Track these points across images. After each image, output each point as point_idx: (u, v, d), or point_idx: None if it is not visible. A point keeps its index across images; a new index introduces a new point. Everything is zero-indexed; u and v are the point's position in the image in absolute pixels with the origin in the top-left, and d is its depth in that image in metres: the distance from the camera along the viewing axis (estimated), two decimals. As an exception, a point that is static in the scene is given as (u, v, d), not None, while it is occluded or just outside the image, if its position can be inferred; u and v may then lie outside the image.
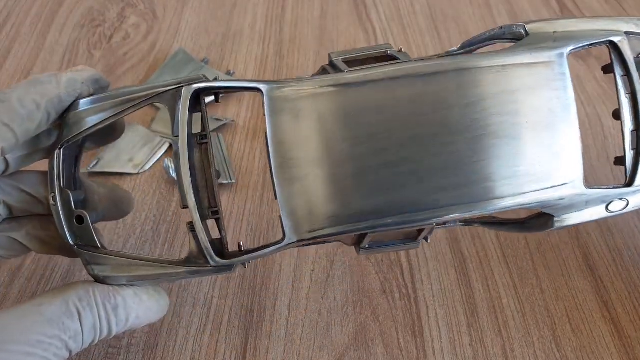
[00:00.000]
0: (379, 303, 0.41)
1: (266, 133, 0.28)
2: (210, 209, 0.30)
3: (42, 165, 0.33)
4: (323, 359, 0.38)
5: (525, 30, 0.31)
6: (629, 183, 0.32)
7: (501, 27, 0.33)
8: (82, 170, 0.48)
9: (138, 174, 0.49)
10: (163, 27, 0.65)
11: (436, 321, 0.40)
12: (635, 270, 0.43)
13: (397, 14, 0.69)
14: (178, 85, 0.29)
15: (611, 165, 0.34)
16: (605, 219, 0.35)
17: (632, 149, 0.31)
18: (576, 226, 0.38)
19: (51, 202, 0.31)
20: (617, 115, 0.32)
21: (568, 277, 0.42)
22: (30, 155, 0.32)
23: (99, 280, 0.31)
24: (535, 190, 0.29)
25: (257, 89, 0.28)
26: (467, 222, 0.35)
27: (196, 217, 0.28)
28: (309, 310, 0.40)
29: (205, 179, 0.30)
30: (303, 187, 0.27)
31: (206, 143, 0.30)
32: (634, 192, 0.32)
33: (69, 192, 0.31)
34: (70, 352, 0.29)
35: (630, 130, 0.31)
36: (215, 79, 0.30)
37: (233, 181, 0.48)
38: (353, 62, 0.30)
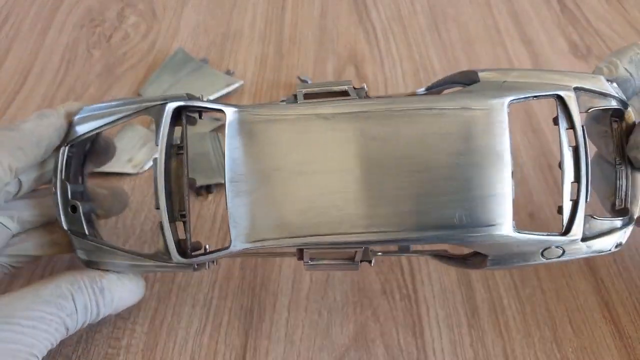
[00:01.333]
0: (379, 303, 0.40)
1: (224, 152, 0.32)
2: (180, 212, 0.33)
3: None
4: (323, 359, 0.38)
5: (477, 77, 0.33)
6: (565, 232, 0.33)
7: (461, 72, 0.35)
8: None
9: (137, 174, 0.49)
10: (162, 27, 0.65)
11: (437, 322, 0.40)
12: (635, 271, 0.43)
13: (397, 13, 0.69)
14: (163, 102, 0.33)
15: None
16: (542, 264, 0.37)
17: (570, 200, 0.33)
18: (512, 269, 0.39)
19: (52, 190, 0.35)
20: (560, 165, 0.33)
21: (569, 277, 0.42)
22: (40, 177, 0.36)
23: (83, 262, 0.35)
24: (460, 228, 0.31)
25: (221, 111, 0.32)
26: (409, 252, 0.37)
27: (165, 217, 0.32)
28: (308, 310, 0.40)
29: (178, 185, 0.33)
30: (250, 201, 0.31)
31: (182, 154, 0.33)
32: (570, 242, 0.33)
33: (67, 184, 0.35)
34: (67, 329, 0.33)
35: (571, 181, 0.33)
36: (198, 99, 0.34)
37: (233, 181, 0.48)
38: (312, 95, 0.33)
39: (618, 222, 0.34)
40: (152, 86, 0.56)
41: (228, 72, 0.58)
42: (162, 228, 0.33)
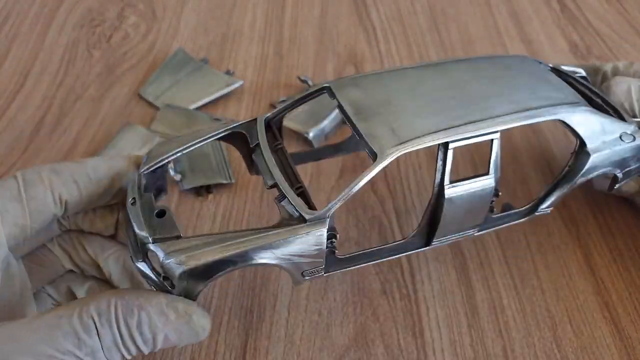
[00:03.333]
0: (379, 303, 0.40)
1: (338, 102, 0.35)
2: (296, 185, 0.33)
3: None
4: (323, 359, 0.38)
5: None
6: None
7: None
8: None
9: (137, 174, 0.49)
10: (162, 27, 0.65)
11: (436, 322, 0.40)
12: (635, 271, 0.43)
13: (397, 13, 0.69)
14: (252, 119, 0.37)
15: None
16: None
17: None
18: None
19: (129, 204, 0.32)
20: None
21: (569, 277, 0.42)
22: (90, 213, 0.35)
23: (189, 275, 0.29)
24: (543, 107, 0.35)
25: (326, 87, 0.36)
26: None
27: (284, 185, 0.32)
28: (308, 310, 0.40)
29: (284, 166, 0.34)
30: (379, 120, 0.33)
31: (281, 148, 0.36)
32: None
33: (151, 195, 0.33)
34: None
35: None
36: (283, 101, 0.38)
37: (233, 181, 0.48)
38: None
39: None
40: (152, 86, 0.56)
41: (228, 72, 0.58)
42: (281, 199, 0.32)
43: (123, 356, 0.28)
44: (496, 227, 0.38)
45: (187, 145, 0.35)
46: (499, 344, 0.38)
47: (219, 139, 0.36)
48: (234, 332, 0.39)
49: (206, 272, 0.30)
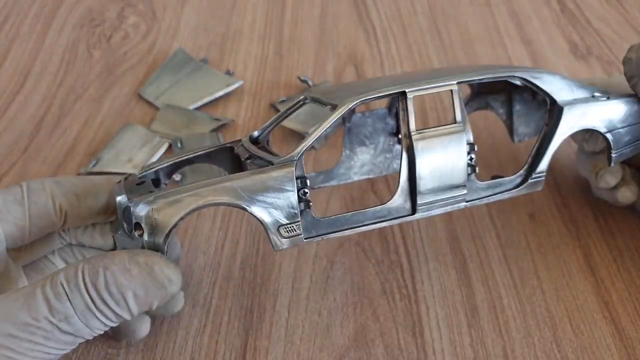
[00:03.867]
0: (379, 304, 0.40)
1: (313, 97, 0.37)
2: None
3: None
4: (323, 359, 0.38)
5: None
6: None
7: None
8: (82, 169, 0.48)
9: (137, 174, 0.49)
10: (162, 27, 0.65)
11: (436, 322, 0.40)
12: (635, 271, 0.43)
13: (397, 13, 0.69)
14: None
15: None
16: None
17: None
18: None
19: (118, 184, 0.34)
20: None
21: (569, 277, 0.42)
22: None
23: (146, 215, 0.30)
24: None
25: (306, 99, 0.37)
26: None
27: (258, 151, 0.34)
28: (308, 310, 0.40)
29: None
30: (345, 92, 0.35)
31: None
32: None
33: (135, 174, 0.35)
34: (73, 335, 0.28)
35: None
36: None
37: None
38: None
39: None
40: (152, 86, 0.56)
41: (228, 72, 0.58)
42: (255, 154, 0.34)
43: (103, 323, 0.29)
44: (488, 198, 0.37)
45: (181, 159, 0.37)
46: (499, 344, 0.38)
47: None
48: (234, 332, 0.39)
49: (170, 216, 0.30)
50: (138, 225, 0.31)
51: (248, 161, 0.33)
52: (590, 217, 0.46)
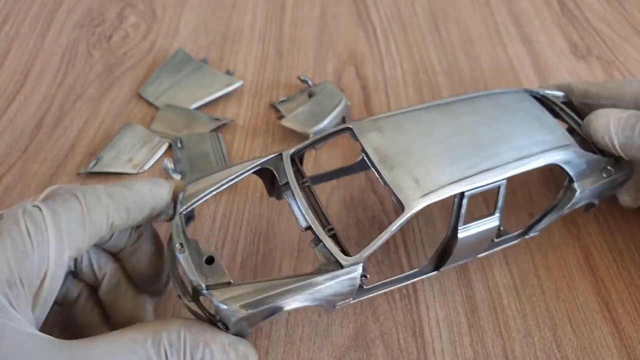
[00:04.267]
0: (379, 303, 0.40)
1: (362, 147, 0.38)
2: (327, 228, 0.35)
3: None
4: (323, 359, 0.38)
5: None
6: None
7: None
8: (82, 169, 0.48)
9: (137, 174, 0.49)
10: (162, 27, 0.65)
11: (436, 322, 0.40)
12: (635, 271, 0.43)
13: (397, 13, 0.69)
14: (278, 153, 0.39)
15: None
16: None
17: None
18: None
19: (177, 250, 0.34)
20: None
21: (569, 277, 0.42)
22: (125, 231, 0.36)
23: (240, 323, 0.32)
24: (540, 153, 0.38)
25: (348, 129, 0.39)
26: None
27: (320, 231, 0.35)
28: (308, 310, 0.40)
29: (313, 206, 0.36)
30: (403, 169, 0.36)
31: (308, 186, 0.38)
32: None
33: (196, 240, 0.35)
34: None
35: None
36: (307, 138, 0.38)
37: (233, 181, 0.48)
38: None
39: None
40: (152, 86, 0.56)
41: (228, 72, 0.58)
42: (318, 243, 0.35)
43: None
44: (494, 250, 0.41)
45: (221, 183, 0.37)
46: (499, 344, 0.38)
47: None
48: (234, 332, 0.39)
49: (256, 318, 0.32)
50: (222, 322, 0.32)
51: (312, 245, 0.35)
52: (590, 217, 0.46)
